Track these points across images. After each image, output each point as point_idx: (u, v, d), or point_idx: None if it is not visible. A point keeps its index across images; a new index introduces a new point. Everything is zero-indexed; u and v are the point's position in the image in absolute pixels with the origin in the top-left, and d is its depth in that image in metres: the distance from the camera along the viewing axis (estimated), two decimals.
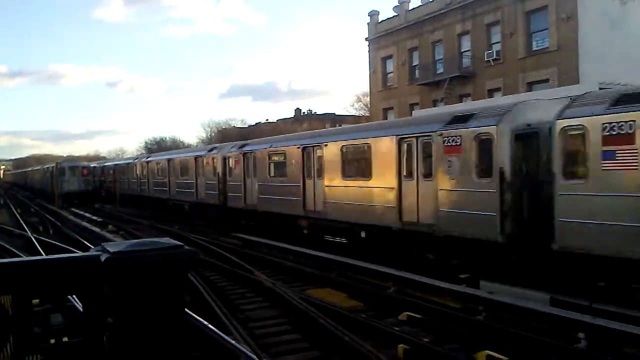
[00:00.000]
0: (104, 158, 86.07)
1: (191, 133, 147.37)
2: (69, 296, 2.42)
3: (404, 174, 13.90)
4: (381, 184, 14.62)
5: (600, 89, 11.34)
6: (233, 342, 7.54)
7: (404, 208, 13.77)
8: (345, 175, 16.22)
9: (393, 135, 14.32)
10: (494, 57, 32.65)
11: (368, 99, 49.13)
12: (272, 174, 20.44)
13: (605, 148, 9.30)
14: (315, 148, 17.83)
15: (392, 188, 14.12)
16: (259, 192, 20.99)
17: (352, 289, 11.80)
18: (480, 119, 12.07)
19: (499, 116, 11.65)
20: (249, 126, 79.95)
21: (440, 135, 12.63)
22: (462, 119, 12.55)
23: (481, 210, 11.46)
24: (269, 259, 15.69)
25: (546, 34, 30.27)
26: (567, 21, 28.72)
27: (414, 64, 39.47)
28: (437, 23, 36.89)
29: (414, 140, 13.61)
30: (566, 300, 9.32)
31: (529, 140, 11.11)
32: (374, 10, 43.35)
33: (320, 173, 17.35)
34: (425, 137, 13.24)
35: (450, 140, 12.41)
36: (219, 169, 24.80)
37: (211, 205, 25.72)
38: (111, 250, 1.66)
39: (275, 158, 20.34)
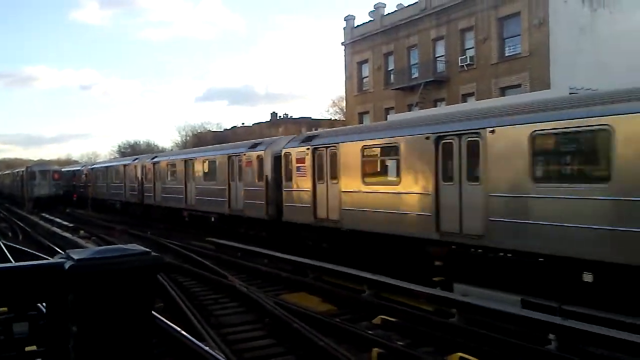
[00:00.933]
0: (76, 162, 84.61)
1: (166, 137, 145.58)
2: (38, 304, 2.38)
3: (231, 178, 21.63)
4: (220, 186, 22.42)
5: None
6: (206, 348, 7.48)
7: (230, 201, 21.66)
8: (205, 179, 24.33)
9: (226, 154, 22.47)
10: (468, 62, 33.06)
11: (344, 103, 49.30)
12: (169, 178, 28.33)
13: (297, 165, 17.15)
14: (191, 161, 25.93)
15: (225, 188, 21.98)
16: (162, 192, 28.98)
17: (326, 293, 11.82)
18: (260, 145, 20.32)
19: (267, 144, 19.92)
20: (225, 130, 79.58)
21: (244, 155, 20.78)
22: (254, 145, 20.80)
23: (259, 201, 19.39)
24: (244, 263, 15.62)
25: (518, 39, 30.78)
26: (538, 27, 29.27)
27: (390, 69, 39.76)
28: (412, 28, 37.25)
29: (234, 157, 21.62)
30: (537, 302, 9.49)
31: (279, 159, 18.36)
32: (349, 15, 43.56)
33: (194, 178, 25.31)
34: (238, 155, 21.32)
35: (247, 158, 20.52)
36: (139, 175, 32.25)
37: (134, 203, 33.26)
38: (75, 257, 1.63)
39: (171, 167, 28.32)
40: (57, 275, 1.63)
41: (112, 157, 76.53)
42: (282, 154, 17.95)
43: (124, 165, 35.41)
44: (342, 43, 44.15)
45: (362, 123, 38.58)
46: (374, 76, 40.92)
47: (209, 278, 13.51)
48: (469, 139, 11.41)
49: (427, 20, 35.99)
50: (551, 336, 8.16)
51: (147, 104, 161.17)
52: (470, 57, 33.12)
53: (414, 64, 37.47)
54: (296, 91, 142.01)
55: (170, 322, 8.79)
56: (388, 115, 26.00)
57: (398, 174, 13.32)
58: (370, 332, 8.83)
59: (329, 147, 15.83)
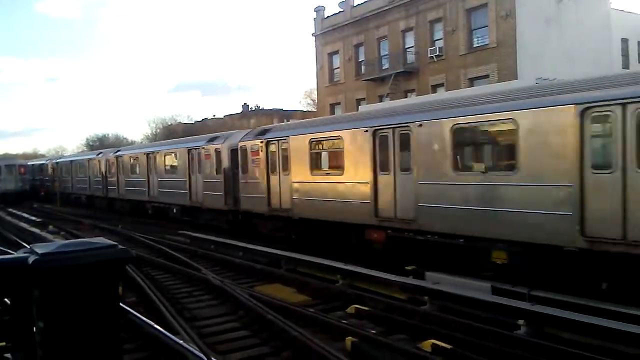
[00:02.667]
0: (42, 156, 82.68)
1: (137, 129, 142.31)
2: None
3: (91, 174, 33.95)
4: (84, 177, 34.84)
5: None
6: (180, 341, 7.44)
7: (90, 185, 33.44)
8: (88, 174, 34.95)
9: (88, 158, 35.67)
10: (437, 53, 33.33)
11: (316, 94, 49.21)
12: (74, 173, 38.67)
13: (110, 166, 31.27)
14: (75, 162, 38.19)
15: (86, 179, 33.88)
16: (65, 183, 40.13)
17: (300, 284, 11.83)
18: (100, 154, 32.31)
19: (105, 153, 32.08)
20: (195, 122, 78.59)
21: (94, 159, 32.29)
22: (99, 154, 32.31)
23: (100, 186, 31.94)
24: (218, 256, 15.54)
25: (486, 31, 31.14)
26: (505, 18, 29.65)
27: (360, 60, 39.82)
28: (381, 19, 37.34)
29: (93, 160, 34.08)
30: (506, 288, 9.67)
31: (107, 162, 31.02)
32: (319, 6, 43.42)
33: (116, 174, 32.53)
34: (91, 160, 34.01)
35: (94, 162, 32.62)
36: (50, 171, 44.83)
37: (64, 192, 41.81)
38: (40, 251, 1.60)
39: (66, 166, 39.98)
40: (20, 270, 1.59)
41: (80, 150, 75.07)
42: (116, 159, 29.95)
43: (52, 165, 46.77)
44: (312, 34, 44.02)
45: (334, 114, 38.62)
46: (345, 67, 40.94)
47: (183, 271, 13.41)
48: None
49: (396, 11, 36.12)
50: (520, 321, 8.34)
51: (117, 96, 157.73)
52: (439, 48, 33.38)
53: (384, 55, 37.61)
54: (269, 82, 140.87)
55: (143, 316, 8.71)
56: (359, 106, 26.09)
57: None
58: (344, 321, 8.88)
59: (152, 153, 26.26)
